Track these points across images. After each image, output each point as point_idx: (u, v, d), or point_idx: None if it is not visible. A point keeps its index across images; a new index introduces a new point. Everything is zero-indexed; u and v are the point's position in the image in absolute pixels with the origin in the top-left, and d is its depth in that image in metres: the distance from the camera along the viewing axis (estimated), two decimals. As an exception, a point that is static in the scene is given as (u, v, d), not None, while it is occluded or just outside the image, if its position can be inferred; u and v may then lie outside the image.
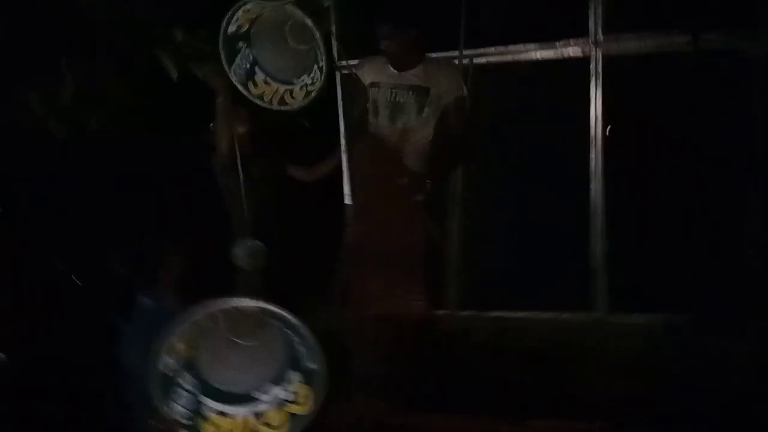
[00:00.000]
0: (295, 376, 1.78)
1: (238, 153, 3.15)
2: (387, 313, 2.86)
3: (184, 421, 1.80)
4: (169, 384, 1.74)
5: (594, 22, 2.76)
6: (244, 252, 2.50)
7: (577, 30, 2.80)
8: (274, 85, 2.94)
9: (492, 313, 3.02)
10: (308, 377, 1.75)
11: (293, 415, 1.82)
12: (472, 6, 2.70)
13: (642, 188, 2.83)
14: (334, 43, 2.78)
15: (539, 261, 3.01)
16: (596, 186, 2.87)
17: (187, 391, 1.79)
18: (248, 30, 2.84)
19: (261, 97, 2.94)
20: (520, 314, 3.05)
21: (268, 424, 1.87)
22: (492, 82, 2.91)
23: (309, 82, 2.89)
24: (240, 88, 2.92)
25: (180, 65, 3.06)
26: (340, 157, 3.40)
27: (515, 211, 3.03)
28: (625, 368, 2.84)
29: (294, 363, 1.76)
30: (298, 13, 2.65)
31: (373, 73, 2.79)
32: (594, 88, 2.81)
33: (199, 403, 1.81)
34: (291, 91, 2.93)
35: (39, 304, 3.27)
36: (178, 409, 1.80)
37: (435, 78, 2.64)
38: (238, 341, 1.78)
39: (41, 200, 3.44)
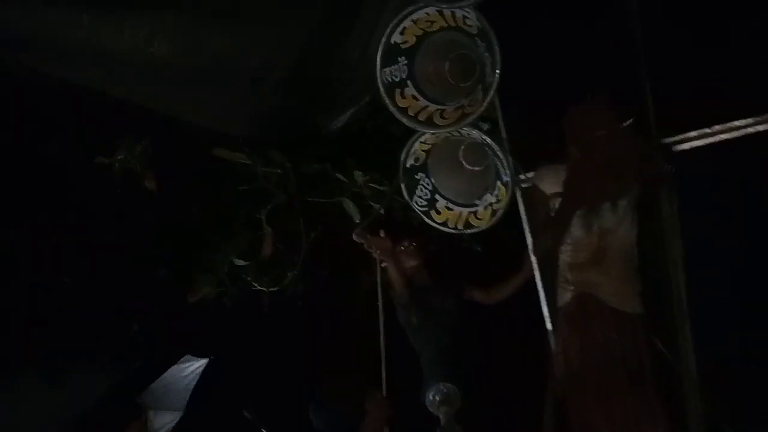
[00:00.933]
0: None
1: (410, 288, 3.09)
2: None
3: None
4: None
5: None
6: (437, 397, 2.18)
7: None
8: (457, 209, 2.88)
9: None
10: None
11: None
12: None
13: None
14: (509, 157, 2.67)
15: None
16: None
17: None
18: (425, 160, 2.86)
19: (445, 224, 2.89)
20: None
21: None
22: (696, 165, 2.57)
23: (493, 200, 2.79)
24: (423, 218, 2.90)
25: (362, 207, 3.12)
26: (529, 274, 3.14)
27: (757, 311, 2.53)
28: None
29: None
30: (474, 134, 2.62)
31: (554, 182, 2.61)
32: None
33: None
34: (476, 213, 2.84)
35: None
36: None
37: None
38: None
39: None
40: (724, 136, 2.55)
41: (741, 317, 2.59)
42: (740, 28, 2.53)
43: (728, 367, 2.60)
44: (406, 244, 3.21)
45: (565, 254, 2.47)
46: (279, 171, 2.88)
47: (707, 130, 2.54)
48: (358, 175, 3.02)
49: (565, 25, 2.80)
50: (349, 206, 3.06)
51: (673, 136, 2.56)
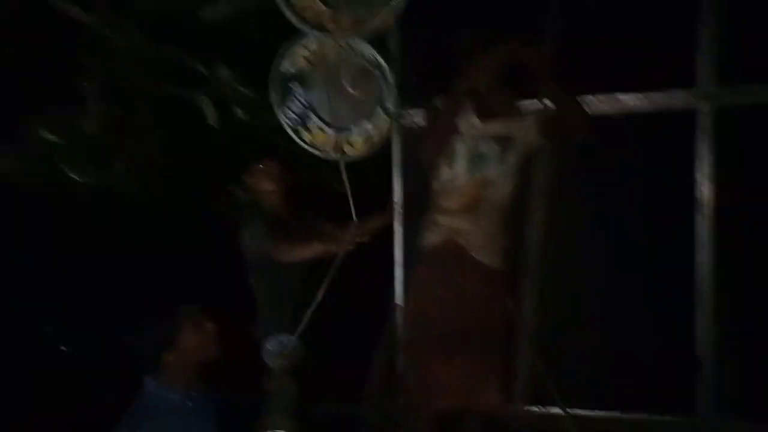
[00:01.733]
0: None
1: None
2: (456, 407, 2.37)
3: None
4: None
5: (703, 71, 2.41)
6: (275, 348, 1.90)
7: (682, 80, 2.44)
8: (330, 132, 2.60)
9: (576, 411, 2.51)
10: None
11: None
12: (566, 51, 2.36)
13: (761, 262, 2.40)
14: (396, 89, 2.42)
15: (633, 350, 2.53)
16: (704, 258, 2.44)
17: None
18: (304, 70, 2.52)
19: (314, 146, 2.59)
20: (608, 414, 2.55)
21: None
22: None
23: (371, 129, 2.54)
24: (291, 134, 2.58)
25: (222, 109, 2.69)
26: (390, 217, 2.95)
27: (606, 286, 2.57)
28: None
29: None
30: (366, 52, 2.33)
31: None
32: (701, 145, 2.42)
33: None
34: (350, 140, 2.58)
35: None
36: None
37: (522, 125, 2.27)
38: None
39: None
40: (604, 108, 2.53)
41: (596, 287, 2.62)
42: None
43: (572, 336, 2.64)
44: (266, 163, 2.83)
45: (441, 197, 2.29)
46: (125, 43, 2.32)
47: (593, 98, 2.50)
48: (224, 71, 2.58)
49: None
50: (206, 104, 2.62)
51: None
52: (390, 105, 2.42)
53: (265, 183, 2.86)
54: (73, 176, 2.41)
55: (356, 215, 2.70)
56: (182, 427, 1.64)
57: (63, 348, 2.60)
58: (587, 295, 2.60)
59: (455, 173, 2.25)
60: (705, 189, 2.44)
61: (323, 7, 2.33)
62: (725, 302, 2.46)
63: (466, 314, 2.24)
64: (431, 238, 2.30)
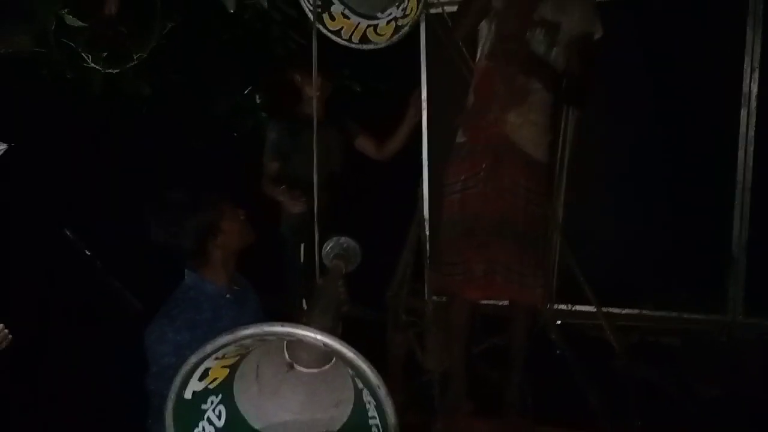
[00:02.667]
0: None
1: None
2: (495, 297, 2.34)
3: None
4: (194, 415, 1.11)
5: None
6: (335, 250, 1.71)
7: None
8: (355, 19, 2.42)
9: (609, 309, 2.48)
10: None
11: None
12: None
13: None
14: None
15: (666, 248, 2.48)
16: (745, 157, 2.34)
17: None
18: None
19: (338, 33, 2.42)
20: (639, 312, 2.54)
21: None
22: (624, 19, 2.35)
23: (399, 14, 2.37)
24: (313, 21, 2.40)
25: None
26: (417, 118, 2.82)
27: (639, 183, 2.49)
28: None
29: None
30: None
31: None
32: (751, 33, 2.27)
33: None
34: (376, 27, 2.41)
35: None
36: None
37: (566, 10, 2.11)
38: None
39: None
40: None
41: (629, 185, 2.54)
42: None
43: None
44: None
45: (481, 89, 2.16)
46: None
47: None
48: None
49: None
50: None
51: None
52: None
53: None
54: (93, 65, 2.26)
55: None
56: (222, 318, 1.60)
57: (87, 252, 2.51)
58: (624, 190, 2.52)
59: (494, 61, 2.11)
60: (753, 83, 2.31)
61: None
62: (763, 204, 2.39)
63: (511, 207, 2.17)
64: (472, 132, 2.19)
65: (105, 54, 2.29)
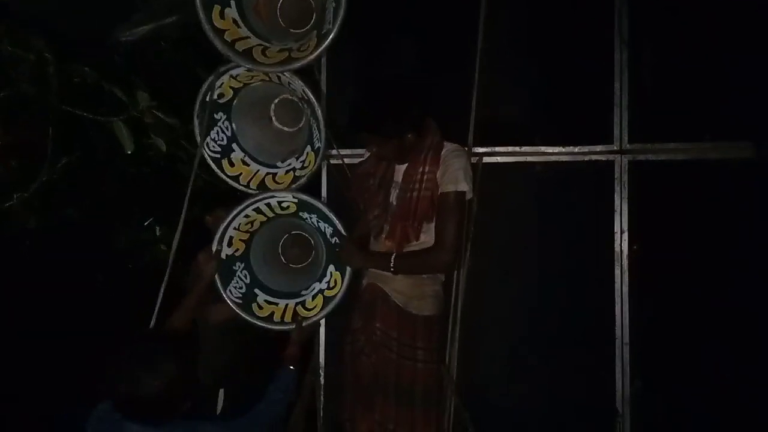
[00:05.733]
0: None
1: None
2: None
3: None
4: (229, 271, 2.31)
5: (620, 127, 2.51)
6: None
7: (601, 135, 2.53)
8: (254, 166, 2.49)
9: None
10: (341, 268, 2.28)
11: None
12: (487, 103, 2.41)
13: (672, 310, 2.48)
14: (323, 128, 2.35)
15: (555, 401, 2.52)
16: (621, 309, 2.49)
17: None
18: (231, 100, 2.42)
19: (237, 179, 2.47)
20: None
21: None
22: (505, 183, 2.55)
23: (298, 166, 2.45)
24: (212, 165, 2.46)
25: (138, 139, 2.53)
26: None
27: (523, 337, 2.57)
28: None
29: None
30: (297, 84, 2.26)
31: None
32: (618, 198, 2.51)
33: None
34: (274, 176, 2.47)
35: None
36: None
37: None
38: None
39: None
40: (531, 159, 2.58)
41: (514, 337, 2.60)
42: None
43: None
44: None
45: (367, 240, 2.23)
46: (32, 57, 2.14)
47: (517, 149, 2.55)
48: (143, 98, 2.43)
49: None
50: (121, 131, 2.44)
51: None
52: (317, 141, 2.34)
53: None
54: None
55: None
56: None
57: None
58: (510, 345, 2.58)
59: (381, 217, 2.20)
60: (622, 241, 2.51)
61: (253, 38, 2.27)
62: (642, 357, 2.50)
63: (392, 366, 2.15)
64: (362, 284, 2.23)
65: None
